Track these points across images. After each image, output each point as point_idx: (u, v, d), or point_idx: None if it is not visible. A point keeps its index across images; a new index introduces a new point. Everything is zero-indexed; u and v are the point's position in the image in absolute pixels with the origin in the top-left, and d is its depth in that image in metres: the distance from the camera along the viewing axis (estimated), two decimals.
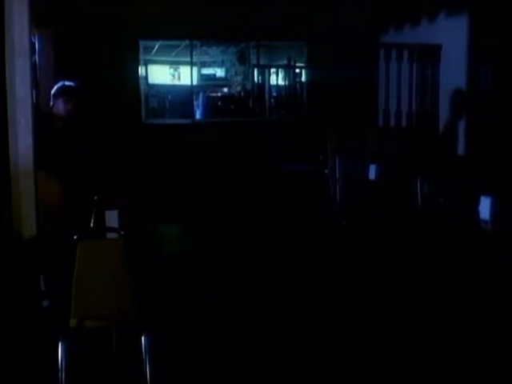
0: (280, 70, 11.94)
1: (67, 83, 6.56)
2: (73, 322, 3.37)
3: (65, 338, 3.37)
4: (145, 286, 4.60)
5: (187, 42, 11.53)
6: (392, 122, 8.91)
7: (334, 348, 4.83)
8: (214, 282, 6.25)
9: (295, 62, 11.58)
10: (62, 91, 6.49)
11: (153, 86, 13.11)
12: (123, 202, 6.58)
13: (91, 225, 5.57)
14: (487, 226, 6.32)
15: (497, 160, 7.19)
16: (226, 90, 13.54)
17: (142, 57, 11.17)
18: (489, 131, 7.78)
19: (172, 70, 14.16)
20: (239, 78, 13.07)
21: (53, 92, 6.51)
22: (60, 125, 6.43)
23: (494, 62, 7.91)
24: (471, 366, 4.46)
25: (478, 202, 6.53)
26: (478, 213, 6.53)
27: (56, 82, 8.25)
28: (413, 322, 5.31)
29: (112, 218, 6.09)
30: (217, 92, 13.33)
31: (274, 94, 12.27)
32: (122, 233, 4.87)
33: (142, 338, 3.40)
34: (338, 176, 8.67)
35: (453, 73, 8.57)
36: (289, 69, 11.37)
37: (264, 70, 10.93)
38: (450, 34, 8.59)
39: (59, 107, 6.43)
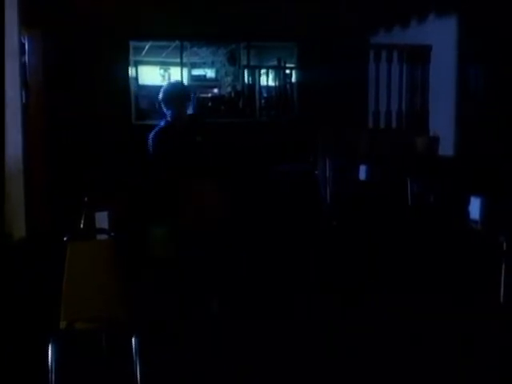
0: (270, 70, 11.92)
1: (174, 82, 5.94)
2: (63, 324, 3.37)
3: (55, 339, 3.36)
4: (135, 288, 4.59)
5: (177, 43, 11.52)
6: (382, 123, 8.92)
7: (325, 353, 4.84)
8: (205, 284, 6.24)
9: (285, 63, 11.57)
10: (185, 93, 5.79)
11: (143, 86, 13.09)
12: (113, 203, 6.56)
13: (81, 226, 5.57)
14: (477, 226, 6.33)
15: (487, 160, 7.21)
16: (216, 90, 13.51)
17: (132, 57, 11.15)
18: (479, 131, 7.80)
19: (162, 70, 14.12)
20: (229, 79, 13.05)
21: (166, 96, 5.71)
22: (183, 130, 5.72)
23: (484, 62, 7.93)
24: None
25: (468, 203, 6.54)
26: (467, 213, 6.54)
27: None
28: (406, 320, 5.32)
29: (102, 219, 6.08)
30: (207, 93, 13.30)
31: (265, 95, 12.25)
32: (112, 234, 4.86)
33: (133, 339, 3.39)
34: (328, 177, 8.67)
35: (443, 73, 8.59)
36: (279, 69, 11.37)
37: (254, 71, 10.91)
38: (440, 35, 8.61)
39: (182, 112, 5.70)
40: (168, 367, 4.40)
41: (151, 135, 5.71)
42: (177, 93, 5.66)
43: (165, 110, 5.66)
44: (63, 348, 3.39)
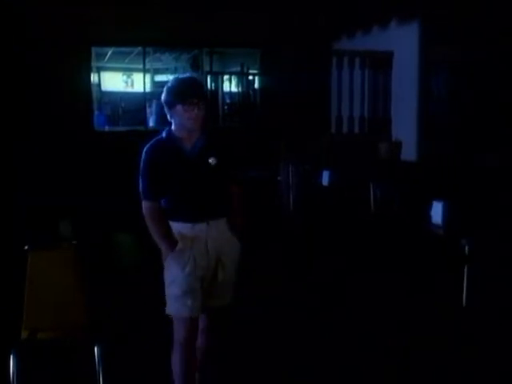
0: (233, 76, 11.95)
1: (183, 77, 3.84)
2: (24, 334, 3.33)
3: (16, 350, 3.32)
4: (98, 297, 4.56)
5: (140, 49, 11.49)
6: (345, 129, 8.97)
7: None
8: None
9: (248, 69, 11.60)
10: (197, 92, 3.80)
11: (106, 93, 13.02)
12: (76, 211, 6.51)
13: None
14: (439, 230, 6.38)
15: (449, 165, 7.28)
16: None
17: (94, 63, 11.09)
18: (440, 136, 7.88)
19: (125, 76, 14.07)
20: None
21: (170, 96, 3.78)
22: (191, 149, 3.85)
23: (446, 68, 8.01)
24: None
25: (430, 207, 6.59)
26: (430, 217, 6.59)
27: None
28: (372, 323, 5.36)
29: (65, 227, 6.03)
30: None
31: (228, 101, 12.26)
32: (75, 242, 4.81)
33: (95, 348, 3.36)
34: (291, 182, 8.69)
35: (405, 79, 8.66)
36: (242, 75, 11.40)
37: (217, 77, 10.90)
38: (402, 41, 8.67)
39: (182, 119, 3.77)
40: (130, 377, 4.36)
41: (144, 149, 4.01)
42: (186, 91, 3.76)
43: (169, 116, 3.87)
44: (25, 358, 3.35)
